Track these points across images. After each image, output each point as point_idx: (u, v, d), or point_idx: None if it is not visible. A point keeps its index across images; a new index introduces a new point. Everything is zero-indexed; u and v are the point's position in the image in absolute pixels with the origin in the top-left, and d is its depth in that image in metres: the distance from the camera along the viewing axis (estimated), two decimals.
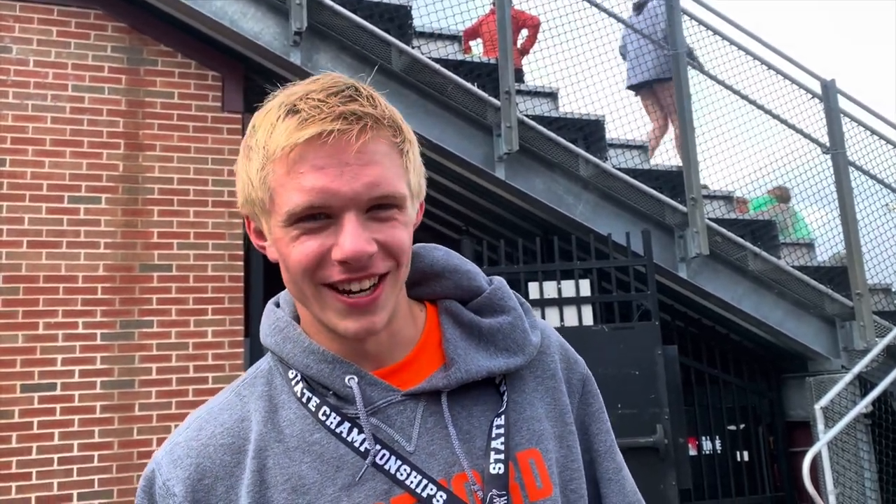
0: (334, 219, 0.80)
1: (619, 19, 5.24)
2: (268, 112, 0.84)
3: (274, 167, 0.81)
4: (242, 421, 0.88)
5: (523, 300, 1.01)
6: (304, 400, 0.87)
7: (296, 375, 0.89)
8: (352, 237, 0.79)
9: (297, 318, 0.93)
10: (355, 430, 0.84)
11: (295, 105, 0.81)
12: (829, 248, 5.61)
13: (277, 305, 0.97)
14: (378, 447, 0.84)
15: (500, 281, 0.99)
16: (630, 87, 6.18)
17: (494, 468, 0.84)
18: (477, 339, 0.93)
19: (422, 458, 0.84)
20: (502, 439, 0.86)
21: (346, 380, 0.86)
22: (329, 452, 0.84)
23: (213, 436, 0.87)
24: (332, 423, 0.85)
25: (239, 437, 0.87)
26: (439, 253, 0.97)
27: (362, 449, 0.84)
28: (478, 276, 0.98)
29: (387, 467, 0.83)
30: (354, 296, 0.81)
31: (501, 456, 0.85)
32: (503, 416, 0.88)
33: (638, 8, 5.96)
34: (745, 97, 5.43)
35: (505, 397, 0.90)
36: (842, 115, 5.52)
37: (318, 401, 0.86)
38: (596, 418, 1.00)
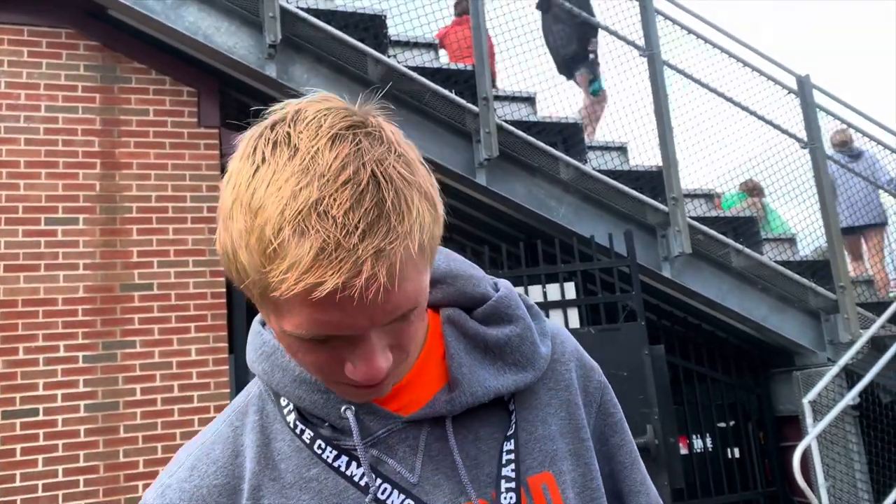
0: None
1: (594, 23, 5.25)
2: (266, 188, 0.64)
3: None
4: (236, 457, 0.82)
5: (532, 304, 0.93)
6: (297, 431, 0.81)
7: (288, 403, 0.82)
8: (366, 363, 0.70)
9: None
10: (354, 464, 0.79)
11: (305, 207, 0.63)
12: (810, 241, 5.64)
13: (264, 325, 0.88)
14: (378, 481, 0.78)
15: (506, 286, 0.90)
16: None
17: (506, 498, 0.79)
18: (482, 352, 0.85)
19: (426, 490, 0.79)
20: (513, 465, 0.81)
21: (342, 410, 0.79)
22: (328, 489, 0.78)
23: (205, 475, 0.81)
24: (328, 456, 0.79)
25: (233, 477, 0.81)
26: (439, 256, 0.88)
27: (363, 483, 0.78)
28: (483, 281, 0.89)
29: (389, 502, 0.78)
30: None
31: (512, 484, 0.80)
32: (512, 440, 0.83)
33: (855, 157, 6.11)
34: (722, 95, 5.45)
35: (513, 417, 0.84)
36: (818, 109, 5.56)
37: (311, 433, 0.80)
38: (617, 429, 0.94)
